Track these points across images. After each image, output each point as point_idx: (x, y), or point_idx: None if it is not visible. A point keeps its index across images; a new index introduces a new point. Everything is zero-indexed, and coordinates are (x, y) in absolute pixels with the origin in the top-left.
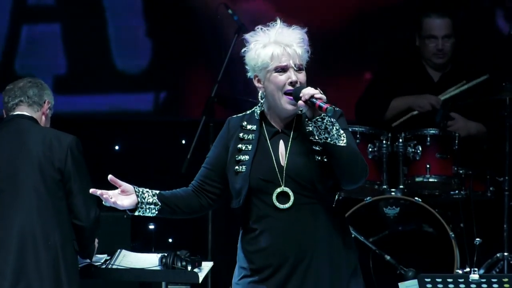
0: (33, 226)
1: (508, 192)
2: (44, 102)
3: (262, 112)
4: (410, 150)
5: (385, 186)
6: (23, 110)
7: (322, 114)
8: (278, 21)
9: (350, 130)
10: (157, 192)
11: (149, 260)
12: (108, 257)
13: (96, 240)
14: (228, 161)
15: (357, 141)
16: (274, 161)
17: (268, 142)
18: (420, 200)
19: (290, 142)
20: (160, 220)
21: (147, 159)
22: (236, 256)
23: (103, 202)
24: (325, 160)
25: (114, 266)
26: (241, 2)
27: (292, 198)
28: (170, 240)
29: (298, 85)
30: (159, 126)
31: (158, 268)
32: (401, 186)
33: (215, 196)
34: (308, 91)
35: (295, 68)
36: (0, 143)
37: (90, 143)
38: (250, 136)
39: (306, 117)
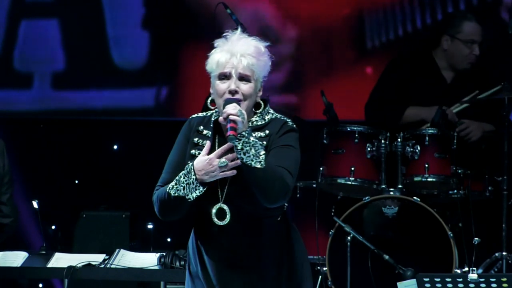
0: None
1: (506, 191)
2: None
3: (216, 119)
4: (409, 149)
5: (383, 186)
6: None
7: (239, 135)
8: (239, 29)
9: (347, 133)
10: None
11: (148, 260)
12: (107, 257)
13: None
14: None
15: (356, 140)
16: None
17: None
18: (418, 199)
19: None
20: (158, 220)
21: (145, 158)
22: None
23: None
24: None
25: (112, 266)
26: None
27: (228, 215)
28: (169, 240)
29: (238, 95)
30: (157, 125)
31: (156, 267)
32: (400, 186)
33: None
34: (227, 110)
35: (237, 78)
36: None
37: (88, 141)
38: (204, 143)
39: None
